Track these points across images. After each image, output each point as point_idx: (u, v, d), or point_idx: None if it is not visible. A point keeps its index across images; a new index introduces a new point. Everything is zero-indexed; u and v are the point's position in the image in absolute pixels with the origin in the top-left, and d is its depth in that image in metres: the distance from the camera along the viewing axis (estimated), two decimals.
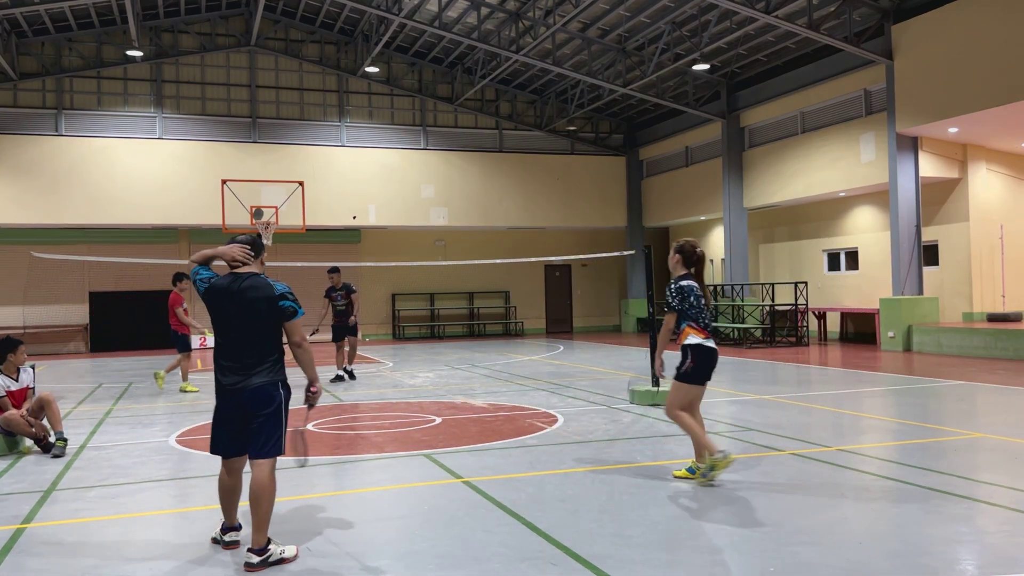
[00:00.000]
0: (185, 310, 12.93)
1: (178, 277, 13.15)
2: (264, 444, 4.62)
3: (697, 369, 5.99)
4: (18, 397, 8.07)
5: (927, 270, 18.83)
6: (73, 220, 22.61)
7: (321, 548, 4.78)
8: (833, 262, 22.01)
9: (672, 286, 6.04)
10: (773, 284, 21.40)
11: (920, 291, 18.05)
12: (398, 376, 14.70)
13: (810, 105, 20.80)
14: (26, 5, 19.31)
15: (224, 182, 20.32)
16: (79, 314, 23.77)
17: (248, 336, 4.65)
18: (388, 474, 6.71)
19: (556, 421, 9.11)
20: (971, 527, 4.92)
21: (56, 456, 7.65)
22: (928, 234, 18.95)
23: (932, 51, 16.56)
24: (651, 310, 10.54)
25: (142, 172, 23.13)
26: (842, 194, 20.63)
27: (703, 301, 5.99)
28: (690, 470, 6.08)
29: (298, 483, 6.27)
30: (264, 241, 21.59)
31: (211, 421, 4.85)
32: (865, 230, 20.78)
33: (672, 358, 6.20)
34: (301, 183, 21.92)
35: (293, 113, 25.07)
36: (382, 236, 26.69)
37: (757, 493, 5.76)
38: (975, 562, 4.34)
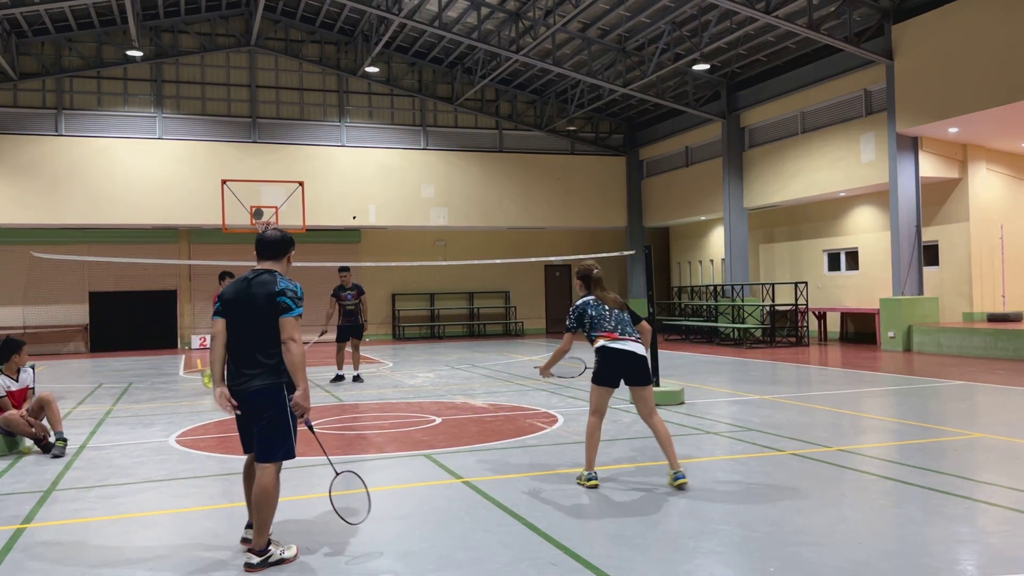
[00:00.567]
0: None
1: (221, 276, 13.23)
2: (269, 448, 4.53)
3: (599, 370, 6.05)
4: (18, 397, 8.07)
5: (927, 270, 18.83)
6: (73, 220, 22.61)
7: (321, 548, 4.78)
8: (833, 262, 22.01)
9: (574, 304, 6.24)
10: (773, 284, 21.40)
11: (920, 291, 18.05)
12: (398, 376, 14.70)
13: (810, 105, 20.80)
14: (26, 5, 19.31)
15: (224, 182, 20.32)
16: (79, 314, 23.77)
17: (251, 334, 4.59)
18: (388, 474, 6.71)
19: (556, 421, 9.11)
20: (971, 527, 4.92)
21: (56, 456, 7.65)
22: (928, 234, 18.95)
23: (932, 51, 16.56)
24: (651, 310, 10.54)
25: (142, 172, 23.14)
26: (842, 194, 20.63)
27: (605, 307, 6.04)
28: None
29: (298, 483, 6.28)
30: None
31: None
32: (865, 230, 20.78)
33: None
34: (301, 183, 21.93)
35: (293, 113, 25.07)
36: (382, 236, 26.69)
37: (757, 493, 5.76)
38: (975, 562, 4.34)
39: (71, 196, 22.48)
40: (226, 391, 4.64)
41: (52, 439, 7.83)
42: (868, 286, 20.62)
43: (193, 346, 24.15)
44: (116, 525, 5.42)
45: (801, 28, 17.10)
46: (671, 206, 26.55)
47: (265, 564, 4.41)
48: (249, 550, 4.47)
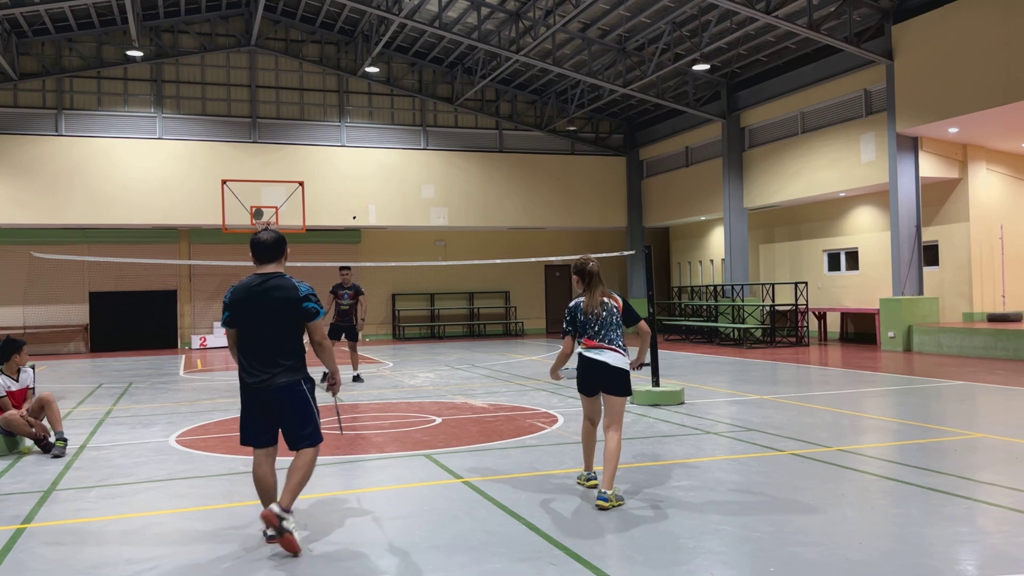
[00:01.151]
0: None
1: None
2: (301, 436, 4.89)
3: (578, 378, 5.98)
4: (18, 397, 8.08)
5: (927, 270, 18.84)
6: (73, 220, 22.62)
7: (322, 548, 4.79)
8: (833, 262, 22.01)
9: (568, 306, 6.13)
10: (773, 284, 21.41)
11: (920, 291, 18.05)
12: (398, 376, 14.70)
13: (810, 105, 20.80)
14: (26, 5, 19.31)
15: (224, 182, 20.32)
16: (79, 314, 23.77)
17: (273, 335, 4.85)
18: (388, 474, 6.71)
19: (556, 421, 9.11)
20: (971, 527, 4.92)
21: (56, 456, 7.65)
22: (928, 234, 18.95)
23: (932, 51, 16.56)
24: (651, 310, 10.53)
25: (142, 172, 23.14)
26: (842, 194, 20.63)
27: (593, 313, 5.91)
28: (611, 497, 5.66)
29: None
30: None
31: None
32: (865, 230, 20.78)
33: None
34: (301, 183, 21.93)
35: (293, 113, 25.07)
36: (382, 236, 26.70)
37: (757, 493, 5.76)
38: (975, 562, 4.34)
39: (71, 196, 22.48)
40: None
41: (52, 439, 7.83)
42: (868, 286, 20.62)
43: (193, 346, 24.15)
44: (116, 525, 5.41)
45: (801, 28, 17.11)
46: (671, 206, 26.55)
47: (281, 522, 4.61)
48: (275, 503, 4.71)
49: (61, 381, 15.26)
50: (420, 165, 25.90)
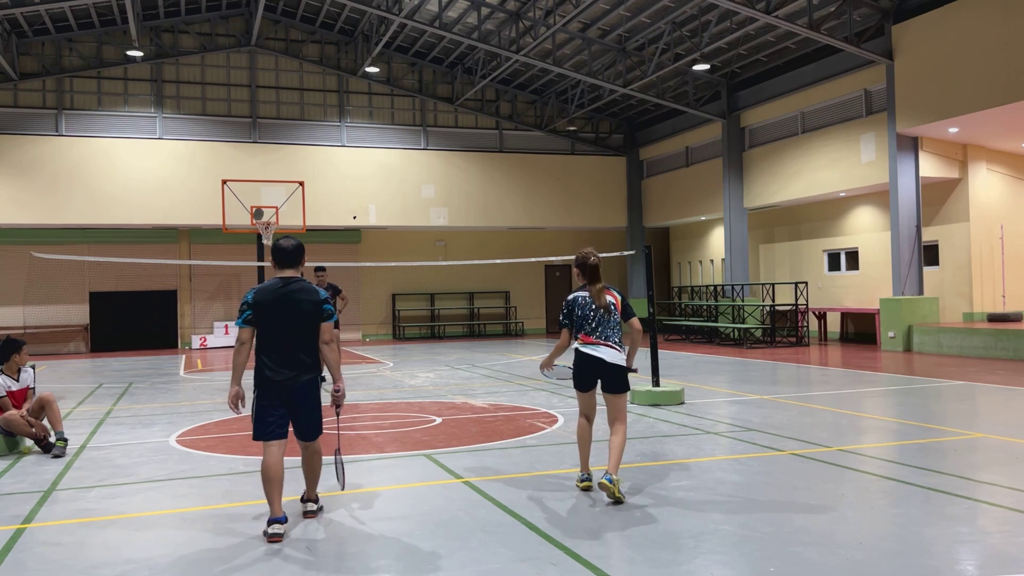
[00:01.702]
0: None
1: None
2: (315, 428, 5.36)
3: (574, 374, 5.98)
4: (18, 397, 8.08)
5: (927, 270, 18.84)
6: (73, 220, 22.62)
7: (322, 548, 4.79)
8: (833, 262, 22.01)
9: (566, 299, 6.09)
10: (773, 284, 21.40)
11: (920, 291, 18.05)
12: (398, 376, 14.70)
13: (810, 105, 20.80)
14: (26, 5, 19.31)
15: (224, 182, 20.32)
16: (79, 314, 23.78)
17: (300, 336, 5.20)
18: (388, 474, 6.71)
19: (556, 421, 9.11)
20: (971, 527, 4.91)
21: (56, 456, 7.66)
22: (928, 234, 18.95)
23: (932, 51, 16.56)
24: (651, 310, 10.53)
25: (142, 172, 23.14)
26: (842, 194, 20.63)
27: (592, 307, 5.89)
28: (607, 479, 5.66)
29: (298, 483, 6.27)
30: (264, 242, 21.75)
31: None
32: (865, 230, 20.78)
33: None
34: (301, 183, 21.93)
35: (293, 113, 25.07)
36: (382, 236, 26.70)
37: (757, 493, 5.76)
38: (975, 562, 4.34)
39: (71, 196, 22.48)
40: (242, 392, 5.21)
41: (52, 439, 7.83)
42: (868, 286, 20.62)
43: (193, 346, 24.15)
44: (116, 525, 5.41)
45: (801, 28, 17.11)
46: (671, 206, 26.55)
47: (320, 509, 5.48)
48: (308, 499, 5.47)
49: (61, 381, 15.26)
50: (420, 165, 25.90)
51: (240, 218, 21.10)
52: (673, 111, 25.33)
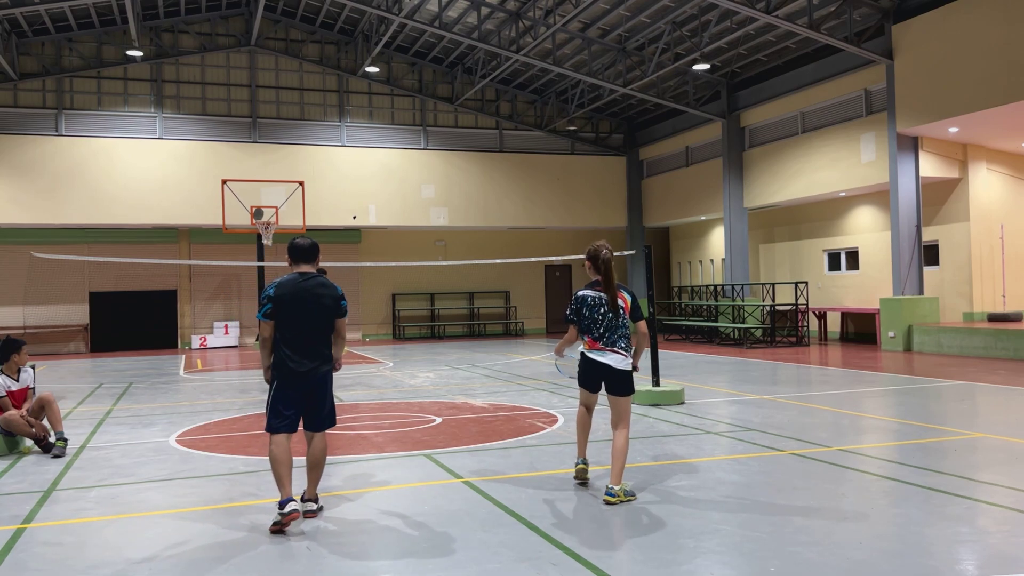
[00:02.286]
0: None
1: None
2: (328, 418, 5.51)
3: (580, 374, 6.02)
4: (18, 397, 8.08)
5: (927, 270, 18.83)
6: (73, 220, 22.62)
7: (322, 548, 4.79)
8: (833, 262, 22.01)
9: (574, 295, 6.01)
10: (773, 284, 21.40)
11: (920, 291, 18.05)
12: (398, 376, 14.70)
13: (810, 105, 20.80)
14: (26, 5, 19.31)
15: (224, 182, 20.32)
16: (79, 314, 23.78)
17: (321, 328, 5.40)
18: (388, 474, 6.71)
19: (556, 421, 9.10)
20: (971, 527, 4.91)
21: (56, 456, 7.65)
22: (928, 234, 18.95)
23: (932, 51, 16.56)
24: (652, 310, 10.53)
25: (142, 172, 23.15)
26: (842, 194, 20.63)
27: (601, 311, 5.79)
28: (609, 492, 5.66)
29: (299, 483, 6.26)
30: (264, 242, 21.74)
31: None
32: (865, 230, 20.78)
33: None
34: (301, 183, 21.94)
35: (293, 113, 25.07)
36: (382, 236, 26.70)
37: (757, 493, 5.76)
38: (975, 562, 4.33)
39: (71, 196, 22.48)
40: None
41: (52, 439, 7.83)
42: (868, 286, 20.62)
43: (193, 346, 24.15)
44: (116, 525, 5.41)
45: (801, 28, 17.10)
46: (671, 206, 26.55)
47: (319, 509, 5.47)
48: (308, 499, 5.46)
49: (61, 381, 15.26)
50: (420, 165, 25.90)
51: (240, 218, 21.11)
52: (673, 111, 25.33)
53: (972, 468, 6.42)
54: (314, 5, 23.77)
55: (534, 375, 14.20)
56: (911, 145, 17.75)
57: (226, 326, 24.60)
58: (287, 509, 5.04)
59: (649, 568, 4.30)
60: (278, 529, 5.04)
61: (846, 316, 21.33)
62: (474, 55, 24.37)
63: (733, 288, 22.73)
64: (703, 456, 7.07)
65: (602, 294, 5.83)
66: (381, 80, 25.77)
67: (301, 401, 5.37)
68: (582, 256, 6.05)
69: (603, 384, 5.87)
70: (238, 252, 24.21)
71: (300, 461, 5.83)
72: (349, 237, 26.04)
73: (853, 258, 21.34)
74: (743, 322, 21.62)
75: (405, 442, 8.10)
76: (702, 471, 6.47)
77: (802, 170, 20.89)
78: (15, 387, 8.05)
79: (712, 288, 24.19)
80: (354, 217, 24.98)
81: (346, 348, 14.46)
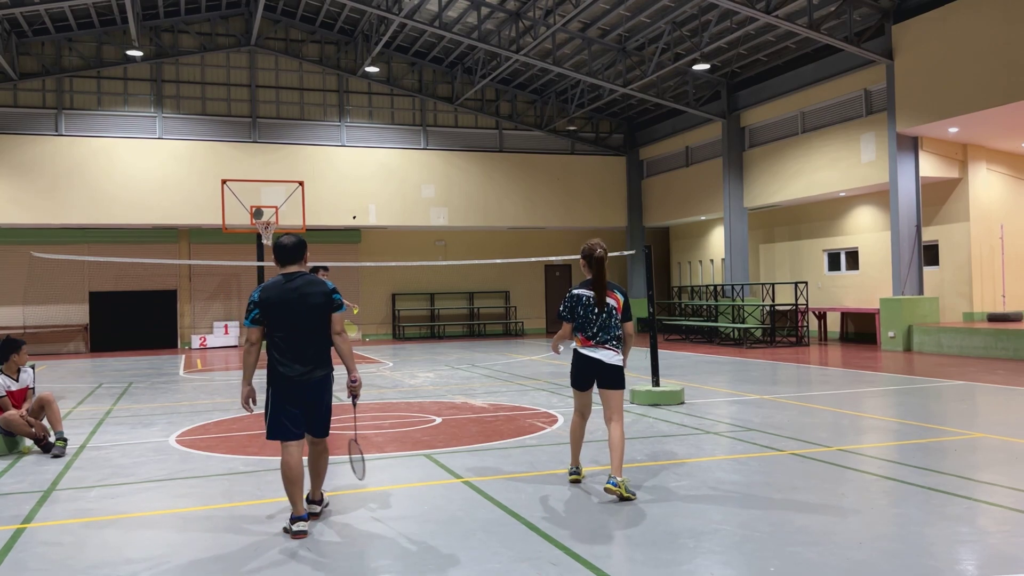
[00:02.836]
0: None
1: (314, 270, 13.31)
2: (328, 424, 5.34)
3: (572, 372, 6.04)
4: (18, 397, 8.08)
5: (927, 270, 18.83)
6: (73, 220, 22.62)
7: (321, 548, 4.79)
8: (833, 262, 22.01)
9: (568, 292, 6.05)
10: (773, 284, 21.40)
11: (920, 291, 18.05)
12: (398, 376, 14.70)
13: (810, 105, 20.80)
14: (26, 5, 19.31)
15: (224, 182, 20.31)
16: (79, 314, 23.77)
17: (312, 330, 5.17)
18: (388, 474, 6.71)
19: (556, 421, 9.10)
20: (971, 527, 4.91)
21: (56, 456, 7.65)
22: (928, 234, 18.95)
23: (932, 51, 16.56)
24: (651, 310, 10.53)
25: (142, 172, 23.15)
26: (842, 194, 20.63)
27: (594, 310, 5.85)
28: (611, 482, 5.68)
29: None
30: (264, 241, 21.75)
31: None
32: (865, 230, 20.78)
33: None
34: (301, 183, 21.93)
35: (293, 113, 25.07)
36: (382, 236, 26.70)
37: (757, 493, 5.76)
38: (975, 562, 4.34)
39: (71, 196, 22.48)
40: (253, 392, 5.23)
41: (52, 439, 7.83)
42: (868, 286, 20.62)
43: (193, 346, 24.14)
44: (116, 525, 5.41)
45: (801, 28, 17.11)
46: (671, 206, 26.55)
47: (324, 507, 5.43)
48: (313, 502, 5.37)
49: (61, 381, 15.26)
50: (420, 165, 25.91)
51: (240, 218, 21.10)
52: (673, 111, 25.33)
53: (972, 468, 6.42)
54: (314, 5, 23.77)
55: (534, 375, 14.20)
56: (911, 145, 17.75)
57: (226, 326, 24.60)
58: (295, 528, 4.98)
59: (649, 568, 4.30)
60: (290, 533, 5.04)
61: (846, 316, 21.33)
62: (474, 55, 24.37)
63: (733, 288, 22.73)
64: (703, 456, 7.06)
65: (586, 293, 5.94)
66: (381, 80, 25.77)
67: (301, 406, 5.17)
68: (591, 240, 6.08)
69: (595, 381, 5.93)
70: (238, 252, 24.20)
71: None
72: (349, 237, 26.04)
73: (853, 258, 21.34)
74: (743, 322, 21.62)
75: (405, 442, 8.10)
76: (702, 471, 6.47)
77: (802, 170, 20.89)
78: (15, 387, 8.05)
79: (712, 288, 24.19)
80: (354, 217, 24.98)
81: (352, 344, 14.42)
